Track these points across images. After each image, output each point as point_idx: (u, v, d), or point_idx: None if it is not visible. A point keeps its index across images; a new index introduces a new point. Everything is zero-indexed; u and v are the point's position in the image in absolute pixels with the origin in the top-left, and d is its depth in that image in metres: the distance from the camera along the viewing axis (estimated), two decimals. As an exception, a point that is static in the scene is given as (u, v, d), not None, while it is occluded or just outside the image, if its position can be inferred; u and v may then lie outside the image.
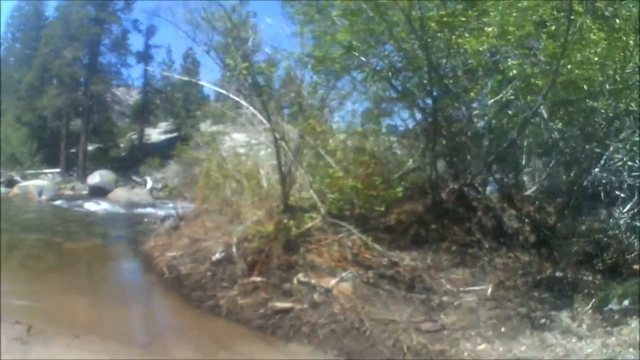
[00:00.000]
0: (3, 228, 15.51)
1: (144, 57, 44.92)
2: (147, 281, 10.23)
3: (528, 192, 11.07)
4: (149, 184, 33.51)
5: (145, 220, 19.37)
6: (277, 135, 8.78)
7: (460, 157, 11.03)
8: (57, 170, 37.72)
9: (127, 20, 42.52)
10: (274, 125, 9.10)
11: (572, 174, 9.90)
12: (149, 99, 45.85)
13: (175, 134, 43.44)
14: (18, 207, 23.81)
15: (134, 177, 36.49)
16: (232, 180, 11.59)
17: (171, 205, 25.97)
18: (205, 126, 39.71)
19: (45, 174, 35.38)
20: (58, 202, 25.54)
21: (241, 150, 15.43)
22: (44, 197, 26.56)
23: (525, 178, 11.82)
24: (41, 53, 40.39)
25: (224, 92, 11.34)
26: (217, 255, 8.78)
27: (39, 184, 28.75)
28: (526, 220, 9.88)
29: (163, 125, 49.24)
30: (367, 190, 8.67)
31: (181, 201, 26.01)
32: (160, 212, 21.86)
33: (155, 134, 48.22)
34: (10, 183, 30.90)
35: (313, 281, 7.51)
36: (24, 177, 32.17)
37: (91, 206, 24.26)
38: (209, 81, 48.17)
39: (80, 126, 41.13)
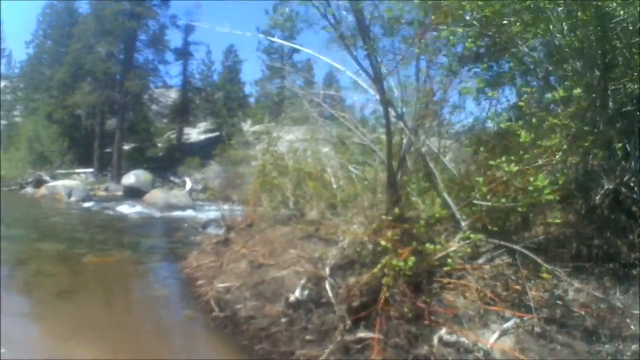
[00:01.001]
0: (19, 235, 13.70)
1: (183, 54, 42.47)
2: (188, 320, 7.43)
3: None
4: (188, 184, 31.49)
5: (185, 225, 17.04)
6: (393, 113, 5.78)
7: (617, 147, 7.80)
8: (90, 170, 36.05)
9: (165, 16, 40.54)
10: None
11: None
12: (188, 97, 43.47)
13: (215, 134, 41.57)
14: (43, 209, 21.54)
15: (172, 178, 34.62)
16: (296, 181, 9.98)
17: (212, 207, 23.77)
18: (247, 126, 37.86)
19: (78, 173, 33.49)
20: (88, 204, 23.92)
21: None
22: (73, 199, 24.66)
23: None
24: (73, 49, 38.84)
25: (342, 68, 8.16)
26: (298, 293, 5.77)
27: (69, 184, 26.66)
28: None
29: (203, 125, 47.52)
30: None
31: (223, 203, 24.70)
32: (201, 216, 19.53)
33: (195, 133, 46.48)
34: (39, 183, 29.11)
35: (465, 340, 4.47)
36: (54, 177, 30.18)
37: (124, 209, 22.15)
38: (249, 81, 46.91)
39: (115, 125, 39.42)
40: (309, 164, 10.31)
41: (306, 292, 5.69)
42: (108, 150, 38.51)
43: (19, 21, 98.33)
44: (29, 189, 28.89)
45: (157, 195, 25.62)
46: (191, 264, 9.51)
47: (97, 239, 14.13)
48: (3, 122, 45.41)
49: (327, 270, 5.68)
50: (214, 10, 51.09)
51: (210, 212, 20.48)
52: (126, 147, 39.24)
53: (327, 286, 5.58)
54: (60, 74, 39.54)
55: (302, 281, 5.86)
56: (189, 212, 21.79)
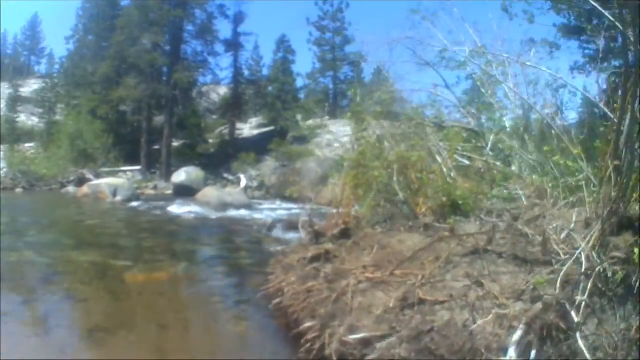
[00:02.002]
0: (50, 242, 11.53)
1: (233, 45, 39.69)
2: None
3: None
4: (243, 182, 29.41)
5: (250, 226, 15.25)
6: None
7: None
8: (137, 167, 33.69)
9: (212, 5, 37.64)
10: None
11: None
12: (240, 90, 40.69)
13: (269, 129, 39.42)
14: (84, 210, 19.17)
15: (225, 175, 32.13)
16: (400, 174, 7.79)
17: (270, 205, 22.45)
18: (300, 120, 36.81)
19: (124, 171, 31.13)
20: (135, 204, 21.48)
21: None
22: (118, 198, 22.29)
23: None
24: (116, 42, 36.54)
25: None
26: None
27: (114, 182, 24.30)
28: None
29: (254, 120, 45.64)
30: None
31: (281, 201, 23.50)
32: (259, 215, 18.31)
33: (247, 128, 44.42)
34: (81, 182, 27.02)
35: None
36: (98, 176, 28.05)
37: (175, 209, 19.62)
38: (300, 73, 44.34)
39: (163, 120, 37.05)
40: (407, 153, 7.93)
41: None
42: (156, 147, 36.28)
43: (58, 18, 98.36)
44: (71, 188, 26.72)
45: (211, 193, 23.37)
46: (276, 287, 6.73)
47: (144, 247, 11.45)
48: (43, 119, 44.70)
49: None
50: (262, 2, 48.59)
51: (267, 211, 19.51)
52: (175, 143, 37.07)
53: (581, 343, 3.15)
54: (103, 69, 37.40)
55: (517, 334, 3.29)
56: (246, 212, 19.59)
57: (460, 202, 6.70)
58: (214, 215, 18.42)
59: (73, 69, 43.92)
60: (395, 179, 7.70)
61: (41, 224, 14.59)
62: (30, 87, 54.52)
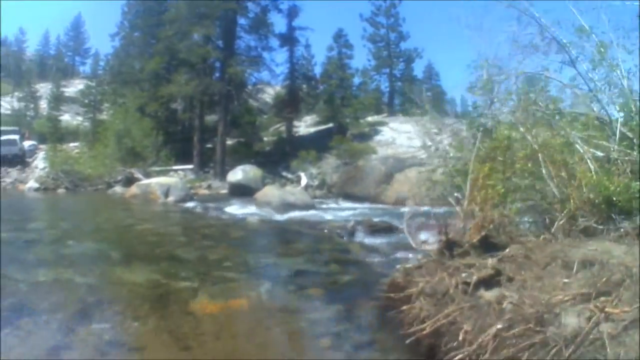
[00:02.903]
0: (91, 253, 9.46)
1: (288, 39, 37.49)
2: None
3: None
4: (304, 180, 27.27)
5: (323, 230, 12.88)
6: None
7: None
8: (189, 166, 31.75)
9: (265, -2, 35.03)
10: None
11: None
12: (296, 86, 38.62)
13: (327, 126, 37.25)
14: (133, 212, 17.23)
15: (283, 174, 30.01)
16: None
17: (333, 206, 20.64)
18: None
19: (175, 171, 29.02)
20: (190, 205, 19.37)
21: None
22: (171, 198, 20.28)
23: None
24: (165, 36, 34.81)
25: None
26: None
27: (166, 181, 22.21)
28: None
29: (309, 118, 44.09)
30: None
31: (343, 200, 22.29)
32: (328, 217, 16.16)
33: (303, 126, 42.62)
34: (129, 181, 25.30)
35: None
36: (147, 175, 26.06)
37: (235, 210, 17.69)
38: (357, 68, 42.26)
39: (214, 118, 35.35)
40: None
41: None
42: (208, 145, 34.73)
43: (100, 17, 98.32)
44: (118, 188, 24.98)
45: (272, 192, 21.05)
46: (431, 328, 4.52)
47: (210, 259, 9.05)
48: (88, 118, 43.85)
49: None
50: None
51: (337, 212, 17.72)
52: (228, 142, 34.98)
53: None
54: (152, 65, 35.71)
55: None
56: (312, 212, 17.58)
57: (615, 199, 5.52)
58: (278, 217, 16.17)
59: (119, 66, 42.58)
60: (545, 171, 6.24)
61: (83, 230, 12.47)
62: (75, 87, 53.86)
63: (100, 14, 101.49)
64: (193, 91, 31.89)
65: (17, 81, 61.05)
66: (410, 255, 7.55)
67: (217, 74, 34.44)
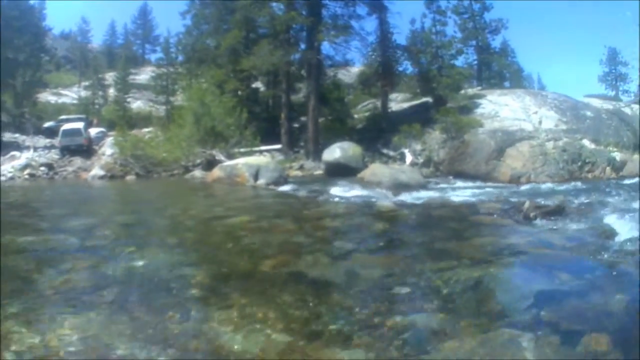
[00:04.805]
0: (162, 269, 5.81)
1: (378, 7, 33.10)
2: None
3: None
4: (409, 158, 24.55)
5: (495, 216, 9.54)
6: None
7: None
8: (277, 146, 28.60)
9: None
10: None
11: None
12: (388, 57, 34.54)
13: (423, 100, 34.13)
14: (219, 199, 14.02)
15: (383, 151, 26.76)
16: None
17: (448, 185, 17.77)
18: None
19: (261, 152, 25.49)
20: (285, 188, 16.42)
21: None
22: (261, 181, 17.21)
23: None
24: (241, 6, 31.71)
25: None
26: None
27: (255, 162, 18.95)
28: None
29: (397, 94, 40.94)
30: None
31: (454, 179, 19.89)
32: (456, 198, 13.10)
33: (395, 101, 39.13)
34: (210, 164, 22.31)
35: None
36: (231, 157, 22.86)
37: (342, 192, 14.19)
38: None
39: (299, 96, 33.06)
40: None
41: None
42: (294, 125, 32.06)
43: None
44: (197, 172, 22.28)
45: (381, 171, 18.25)
46: None
47: (371, 280, 4.99)
48: (160, 103, 42.03)
49: None
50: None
51: (457, 191, 15.03)
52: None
53: None
54: (229, 40, 32.45)
55: None
56: (431, 193, 14.62)
57: None
58: (402, 199, 12.68)
59: (192, 45, 40.28)
60: None
61: (152, 227, 8.93)
62: (146, 74, 52.19)
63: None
64: (279, 61, 28.46)
65: (82, 72, 60.15)
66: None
67: (301, 47, 30.99)
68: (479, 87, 35.04)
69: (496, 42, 40.81)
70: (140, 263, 5.95)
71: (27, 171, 23.61)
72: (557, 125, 21.93)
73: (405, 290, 4.64)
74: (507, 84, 40.32)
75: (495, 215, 9.41)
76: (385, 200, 12.33)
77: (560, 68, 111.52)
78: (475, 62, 42.65)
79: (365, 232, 8.10)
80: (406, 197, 13.04)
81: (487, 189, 15.45)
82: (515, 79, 43.26)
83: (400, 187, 15.67)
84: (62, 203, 13.54)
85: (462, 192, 14.50)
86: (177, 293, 4.75)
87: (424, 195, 13.68)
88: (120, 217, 10.04)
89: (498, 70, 41.89)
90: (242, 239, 7.53)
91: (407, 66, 36.39)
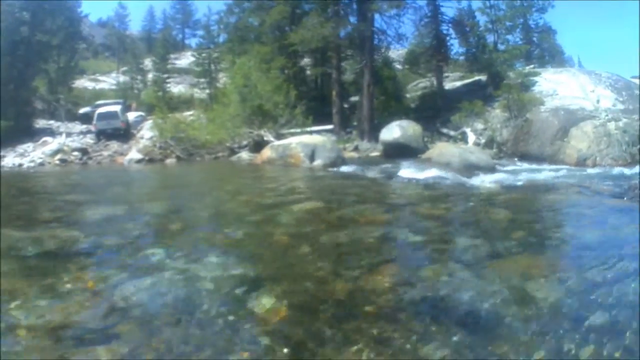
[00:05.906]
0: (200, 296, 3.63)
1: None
2: None
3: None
4: (471, 137, 23.26)
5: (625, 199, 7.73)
6: None
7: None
8: (329, 127, 27.02)
9: None
10: None
11: None
12: (441, 31, 32.82)
13: (477, 77, 32.52)
14: (272, 182, 12.05)
15: (443, 130, 25.39)
16: None
17: (516, 167, 16.80)
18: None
19: (311, 132, 23.74)
20: (347, 169, 15.30)
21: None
22: (318, 162, 15.96)
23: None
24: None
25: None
26: None
27: (310, 141, 17.43)
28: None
29: (454, 69, 39.03)
30: None
31: (519, 160, 19.10)
32: (545, 180, 11.84)
33: (450, 77, 37.73)
34: (257, 145, 21.14)
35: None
36: (280, 137, 21.47)
37: (413, 174, 12.46)
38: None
39: (348, 76, 31.71)
40: None
41: None
42: (344, 104, 30.47)
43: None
44: (244, 154, 20.94)
45: (450, 151, 16.86)
46: None
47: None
48: (202, 86, 41.57)
49: None
50: None
51: (532, 174, 13.35)
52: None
53: None
54: (274, 15, 31.40)
55: None
56: (504, 175, 13.03)
57: None
58: (487, 183, 10.96)
59: (235, 23, 39.27)
60: None
61: (193, 220, 6.90)
62: (187, 59, 52.01)
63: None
64: (330, 34, 26.81)
65: (120, 58, 59.95)
66: None
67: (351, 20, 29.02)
68: (532, 66, 33.00)
69: (543, 21, 38.66)
70: (166, 280, 3.93)
71: (58, 156, 22.57)
72: (615, 105, 20.50)
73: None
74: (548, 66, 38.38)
75: (625, 198, 7.52)
76: (451, 181, 10.81)
77: (599, 50, 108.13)
78: (521, 41, 40.96)
79: (491, 224, 6.13)
80: (488, 178, 11.59)
81: (562, 172, 13.94)
82: (558, 60, 41.19)
83: (471, 168, 14.41)
84: (86, 189, 12.00)
85: (541, 175, 13.12)
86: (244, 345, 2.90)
87: (503, 177, 12.16)
88: (153, 205, 8.30)
89: (548, 48, 39.92)
90: (322, 234, 5.51)
91: (455, 45, 34.56)
